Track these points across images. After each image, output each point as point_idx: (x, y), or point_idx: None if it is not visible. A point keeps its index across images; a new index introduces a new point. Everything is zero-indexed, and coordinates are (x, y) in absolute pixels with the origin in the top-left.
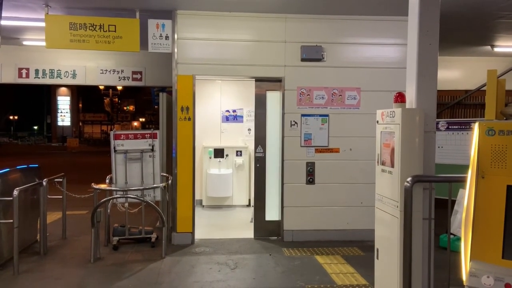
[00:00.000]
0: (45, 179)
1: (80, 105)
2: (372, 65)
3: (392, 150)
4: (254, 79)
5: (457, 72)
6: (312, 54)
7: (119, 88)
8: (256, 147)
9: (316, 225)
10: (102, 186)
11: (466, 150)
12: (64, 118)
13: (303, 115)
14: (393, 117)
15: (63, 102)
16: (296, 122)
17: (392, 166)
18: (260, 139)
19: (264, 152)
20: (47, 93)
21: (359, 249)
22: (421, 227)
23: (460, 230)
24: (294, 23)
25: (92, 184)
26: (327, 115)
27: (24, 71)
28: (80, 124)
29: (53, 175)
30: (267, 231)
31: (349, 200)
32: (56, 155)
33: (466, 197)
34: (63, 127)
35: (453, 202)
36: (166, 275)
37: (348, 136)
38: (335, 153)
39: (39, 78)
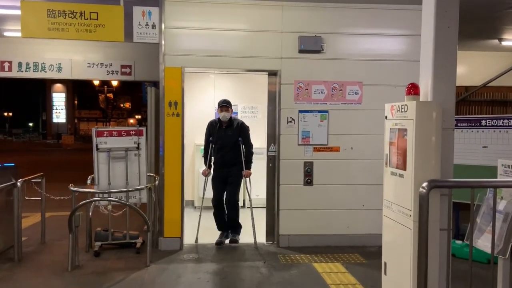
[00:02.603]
0: (20, 180)
1: (76, 101)
2: (375, 58)
3: (404, 150)
4: (248, 72)
5: (458, 68)
6: (310, 45)
7: (114, 84)
8: (268, 146)
9: (314, 230)
10: (81, 188)
11: (476, 149)
12: (59, 115)
13: (300, 111)
14: (405, 111)
15: (58, 99)
16: (293, 119)
17: (404, 168)
18: (273, 137)
19: (278, 150)
20: (42, 90)
21: (361, 255)
22: (438, 239)
23: (477, 241)
24: (291, 12)
25: (70, 185)
26: (326, 111)
27: (6, 64)
28: (76, 121)
29: (47, 173)
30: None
31: (350, 203)
32: (51, 152)
33: None
34: (58, 124)
35: (460, 205)
36: (149, 286)
37: (349, 134)
38: (335, 152)
39: (22, 71)
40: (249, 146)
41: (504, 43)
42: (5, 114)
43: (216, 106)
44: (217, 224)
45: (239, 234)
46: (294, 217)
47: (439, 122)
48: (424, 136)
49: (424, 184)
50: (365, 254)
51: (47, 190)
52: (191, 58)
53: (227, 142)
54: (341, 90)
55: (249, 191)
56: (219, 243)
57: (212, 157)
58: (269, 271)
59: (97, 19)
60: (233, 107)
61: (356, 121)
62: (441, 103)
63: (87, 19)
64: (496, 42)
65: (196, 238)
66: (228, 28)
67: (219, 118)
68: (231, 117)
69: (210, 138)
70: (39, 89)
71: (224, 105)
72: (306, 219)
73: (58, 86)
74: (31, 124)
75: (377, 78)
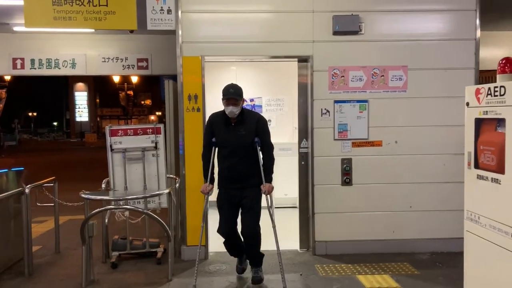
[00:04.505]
0: (28, 186)
1: (97, 100)
2: (422, 38)
3: (501, 147)
4: (275, 59)
5: (493, 50)
6: (347, 26)
7: (134, 81)
8: (300, 142)
9: (355, 235)
10: (94, 195)
11: None
12: (82, 114)
13: (336, 102)
14: (501, 95)
15: (81, 98)
16: (328, 111)
17: (502, 171)
18: (305, 132)
19: (311, 147)
20: (65, 89)
21: (411, 264)
22: None
23: None
24: None
25: (81, 192)
26: (366, 101)
27: (19, 62)
28: (98, 119)
29: (69, 171)
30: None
31: (395, 204)
32: (74, 150)
33: None
34: (81, 122)
35: None
36: None
37: (393, 126)
38: (377, 147)
39: (35, 69)
40: (269, 148)
41: None
42: (30, 114)
43: None
44: (230, 252)
45: (261, 266)
46: (332, 221)
47: None
48: None
49: None
50: (416, 263)
51: (69, 191)
52: (211, 45)
53: (240, 145)
54: (383, 76)
55: (270, 209)
56: (241, 271)
57: (215, 167)
58: (307, 286)
59: (106, 5)
60: (256, 100)
61: (400, 111)
62: None
63: (96, 5)
64: None
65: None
66: (252, 10)
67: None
68: (243, 109)
69: (213, 140)
70: (62, 89)
71: (231, 97)
72: (345, 223)
73: (80, 85)
74: (55, 123)
75: (424, 60)
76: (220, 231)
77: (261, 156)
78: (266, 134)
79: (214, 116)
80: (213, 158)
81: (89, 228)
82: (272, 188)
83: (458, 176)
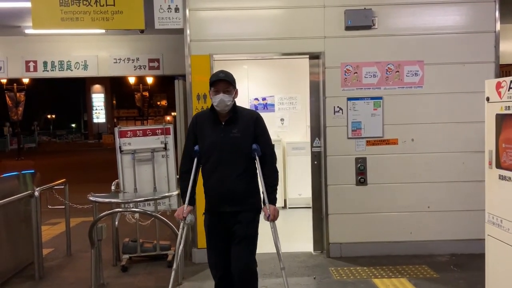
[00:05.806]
0: (37, 189)
1: (114, 101)
2: (438, 31)
3: None
4: (286, 56)
5: None
6: (359, 21)
7: (149, 82)
8: (312, 140)
9: (371, 236)
10: (102, 198)
11: None
12: (99, 115)
13: (349, 99)
14: None
15: (98, 99)
16: (341, 108)
17: None
18: (317, 130)
19: (324, 145)
20: (83, 91)
21: (429, 267)
22: None
23: None
24: None
25: (89, 194)
26: (380, 98)
27: (31, 64)
28: (115, 120)
29: (85, 172)
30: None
31: (412, 204)
32: (92, 152)
33: None
34: (98, 124)
35: None
36: None
37: (409, 123)
38: (393, 145)
39: (48, 71)
40: (272, 158)
41: None
42: (49, 116)
43: (250, 97)
44: None
45: None
46: (346, 222)
47: None
48: None
49: None
50: (434, 266)
51: (84, 192)
52: (220, 43)
53: (231, 150)
54: (398, 71)
55: (276, 239)
56: None
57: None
58: None
59: (114, 5)
60: (268, 98)
61: (417, 107)
62: None
63: (103, 5)
64: None
65: None
66: (262, 6)
67: (212, 108)
68: (235, 105)
69: (196, 148)
70: (80, 91)
71: (222, 79)
72: (361, 225)
73: (97, 87)
74: (73, 125)
75: (442, 55)
76: (213, 273)
77: (259, 169)
78: (267, 139)
79: (199, 115)
80: (196, 172)
81: (98, 231)
82: (278, 212)
83: (478, 175)
